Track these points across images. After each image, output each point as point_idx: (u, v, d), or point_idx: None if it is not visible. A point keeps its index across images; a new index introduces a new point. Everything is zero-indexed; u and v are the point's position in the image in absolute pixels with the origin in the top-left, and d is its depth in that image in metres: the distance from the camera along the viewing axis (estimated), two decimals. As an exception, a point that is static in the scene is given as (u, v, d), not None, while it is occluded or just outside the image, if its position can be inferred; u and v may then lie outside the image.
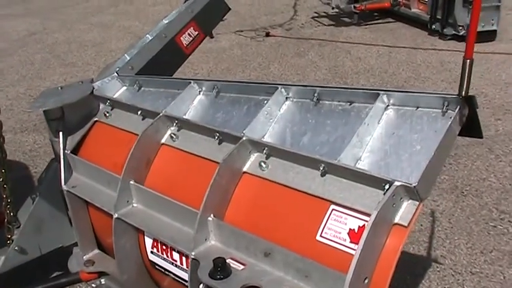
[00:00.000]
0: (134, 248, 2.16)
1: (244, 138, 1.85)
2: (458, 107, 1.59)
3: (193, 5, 3.33)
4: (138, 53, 2.72)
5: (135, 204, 2.11)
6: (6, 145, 2.59)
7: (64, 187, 2.33)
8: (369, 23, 7.51)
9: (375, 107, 1.74)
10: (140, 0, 9.54)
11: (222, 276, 1.67)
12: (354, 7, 7.29)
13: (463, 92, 1.56)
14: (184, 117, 2.13)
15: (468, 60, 1.53)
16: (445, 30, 6.53)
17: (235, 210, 1.85)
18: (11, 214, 2.49)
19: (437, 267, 2.93)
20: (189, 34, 3.14)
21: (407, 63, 5.92)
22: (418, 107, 1.71)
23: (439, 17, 6.58)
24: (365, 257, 1.45)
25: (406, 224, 1.50)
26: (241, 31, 7.54)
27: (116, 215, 2.07)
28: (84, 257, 2.43)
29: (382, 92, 1.75)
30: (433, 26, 6.68)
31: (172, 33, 3.01)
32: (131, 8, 9.21)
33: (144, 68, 2.70)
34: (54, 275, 2.56)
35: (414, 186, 1.48)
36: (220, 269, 1.68)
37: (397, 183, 1.49)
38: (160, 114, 2.13)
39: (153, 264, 2.14)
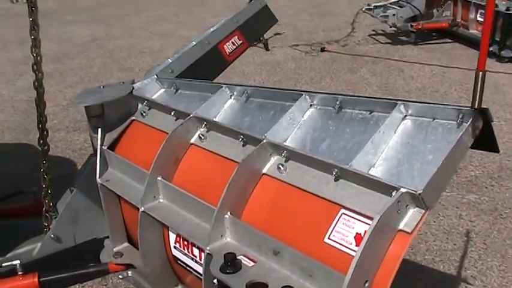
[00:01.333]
0: (158, 242, 2.25)
1: (264, 141, 1.91)
2: (471, 119, 1.60)
3: (240, 15, 3.43)
4: (179, 58, 2.83)
5: (161, 200, 2.20)
6: (59, 142, 2.75)
7: (98, 180, 2.45)
8: (425, 42, 7.45)
9: (391, 116, 1.76)
10: (201, 12, 9.79)
11: (231, 271, 1.73)
12: (411, 26, 7.25)
13: (476, 104, 1.57)
14: (213, 119, 2.21)
15: (481, 73, 1.55)
16: (502, 52, 6.41)
17: (252, 210, 1.91)
18: (49, 204, 2.64)
19: (466, 287, 2.89)
20: (232, 42, 3.23)
21: (460, 84, 5.84)
22: (434, 118, 1.72)
23: (497, 39, 6.46)
24: (365, 259, 1.48)
25: (409, 231, 1.52)
26: (297, 45, 7.62)
27: (142, 209, 2.17)
28: (114, 249, 2.54)
29: (400, 102, 1.77)
30: (491, 48, 6.56)
31: (215, 40, 3.12)
32: (192, 18, 9.46)
33: (184, 72, 2.81)
34: (87, 265, 2.69)
35: (419, 194, 1.50)
36: (231, 264, 1.74)
37: (402, 190, 1.52)
38: (191, 115, 2.22)
39: (176, 259, 2.22)
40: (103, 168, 2.50)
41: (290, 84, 6.11)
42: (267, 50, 7.44)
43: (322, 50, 7.24)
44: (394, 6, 7.28)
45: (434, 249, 3.19)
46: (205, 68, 2.99)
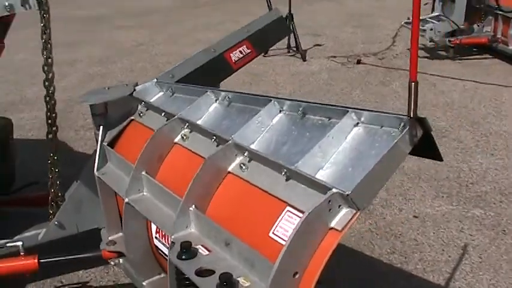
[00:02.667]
0: (142, 232, 2.43)
1: (230, 141, 2.06)
2: (407, 127, 1.70)
3: (252, 25, 3.59)
4: (181, 64, 3.02)
5: (145, 193, 2.38)
6: (89, 141, 2.95)
7: (96, 173, 2.66)
8: (464, 58, 7.41)
9: (341, 122, 1.88)
10: (247, 21, 9.97)
11: (186, 258, 1.89)
12: (449, 41, 7.23)
13: (411, 113, 1.68)
14: (194, 121, 2.38)
15: (413, 83, 1.66)
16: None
17: (216, 205, 2.07)
18: (55, 193, 2.86)
19: (450, 298, 2.95)
20: (240, 51, 3.39)
21: (490, 100, 5.81)
22: (382, 126, 1.83)
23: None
24: (293, 252, 1.61)
25: (339, 229, 1.64)
26: (335, 57, 7.72)
27: (126, 200, 2.36)
28: (109, 237, 2.74)
29: (351, 110, 1.89)
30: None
31: (222, 49, 3.28)
32: (237, 27, 9.63)
33: (186, 77, 2.98)
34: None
35: (347, 195, 1.62)
36: (186, 251, 1.90)
37: (334, 190, 1.64)
38: (176, 117, 2.40)
39: (157, 248, 2.40)
40: (101, 163, 2.71)
41: (320, 94, 6.23)
42: (304, 60, 7.57)
43: (358, 62, 7.32)
44: (432, 21, 7.28)
45: (427, 260, 3.24)
46: (210, 74, 3.16)
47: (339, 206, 1.66)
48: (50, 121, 2.78)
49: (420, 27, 7.23)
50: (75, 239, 2.88)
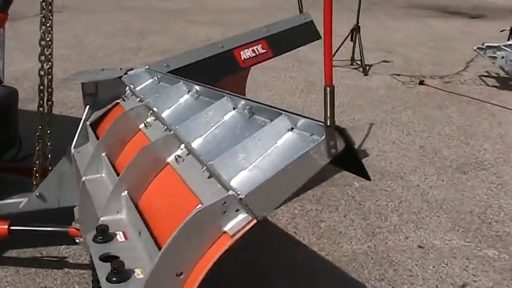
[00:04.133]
0: (93, 211, 2.42)
1: (171, 132, 2.01)
2: (323, 136, 1.58)
3: (274, 25, 3.53)
4: (181, 55, 3.00)
5: (103, 175, 2.38)
6: None
7: (72, 150, 2.68)
8: (538, 91, 6.94)
9: (273, 126, 1.78)
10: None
11: (99, 241, 1.86)
12: (521, 72, 6.79)
13: (328, 121, 1.55)
14: (162, 110, 2.34)
15: (328, 88, 1.54)
16: None
17: (148, 194, 2.02)
18: (42, 165, 2.92)
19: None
20: (253, 50, 3.33)
21: (549, 138, 5.39)
22: (312, 134, 1.71)
23: None
24: (176, 251, 1.54)
25: (231, 234, 1.55)
26: (398, 75, 7.46)
27: (83, 179, 2.36)
28: (77, 215, 2.76)
29: (284, 114, 1.78)
30: None
31: (232, 45, 3.24)
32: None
33: (183, 69, 2.95)
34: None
35: (240, 198, 1.52)
36: (101, 235, 1.87)
37: (230, 192, 1.55)
38: (142, 103, 2.38)
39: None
40: (82, 141, 2.73)
41: (368, 109, 6.02)
42: (365, 75, 7.37)
43: (421, 83, 7.02)
44: (506, 49, 6.85)
45: (417, 293, 3.04)
46: (211, 68, 3.12)
47: (237, 210, 1.56)
48: (41, 94, 2.83)
49: (492, 54, 6.87)
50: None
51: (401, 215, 3.83)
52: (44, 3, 2.70)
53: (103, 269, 1.70)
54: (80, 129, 2.72)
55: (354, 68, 7.64)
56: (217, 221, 1.55)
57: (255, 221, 1.54)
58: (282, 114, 1.79)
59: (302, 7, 3.85)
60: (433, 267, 3.28)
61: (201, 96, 2.34)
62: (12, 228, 2.72)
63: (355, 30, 7.53)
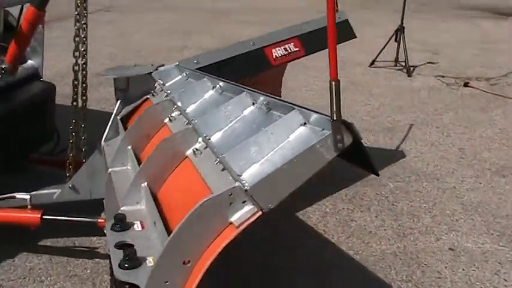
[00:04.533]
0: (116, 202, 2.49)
1: (190, 126, 2.06)
2: (330, 130, 1.59)
3: (308, 23, 3.54)
4: (211, 52, 3.05)
5: (128, 167, 2.45)
6: None
7: (102, 143, 2.77)
8: None
9: (283, 119, 1.80)
10: (370, 31, 9.74)
11: (117, 230, 1.92)
12: None
13: (334, 116, 1.56)
14: (187, 105, 2.39)
15: (334, 83, 1.55)
16: None
17: (167, 186, 2.08)
18: (75, 157, 3.02)
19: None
20: (285, 48, 3.35)
21: None
22: (323, 129, 1.72)
23: None
24: (183, 240, 1.58)
25: (236, 225, 1.58)
26: (443, 76, 7.33)
27: (109, 170, 2.44)
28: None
29: (297, 108, 1.80)
30: None
31: (263, 43, 3.27)
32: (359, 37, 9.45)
33: (212, 65, 3.00)
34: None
35: (246, 189, 1.55)
36: (120, 224, 1.93)
37: (236, 184, 1.58)
38: (168, 98, 2.44)
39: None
40: (111, 134, 2.82)
41: (411, 111, 5.94)
42: (409, 76, 7.27)
43: (465, 84, 6.87)
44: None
45: (444, 296, 3.00)
46: (241, 66, 3.15)
47: (243, 201, 1.59)
48: (75, 89, 2.92)
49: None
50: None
51: (434, 216, 3.78)
52: (78, 1, 2.79)
53: (116, 256, 1.76)
54: (111, 123, 2.81)
55: (397, 69, 7.55)
56: (223, 211, 1.59)
57: (260, 212, 1.57)
58: (294, 109, 1.80)
59: (337, 6, 3.84)
60: (463, 270, 3.22)
61: (225, 92, 2.38)
62: (44, 217, 2.82)
63: (400, 30, 7.44)
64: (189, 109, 2.33)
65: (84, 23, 2.87)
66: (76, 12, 2.81)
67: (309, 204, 3.86)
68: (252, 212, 1.57)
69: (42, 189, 3.01)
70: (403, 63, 7.47)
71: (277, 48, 3.31)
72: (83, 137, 3.06)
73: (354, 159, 1.72)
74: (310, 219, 3.69)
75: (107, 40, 8.99)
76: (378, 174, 1.74)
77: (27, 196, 2.86)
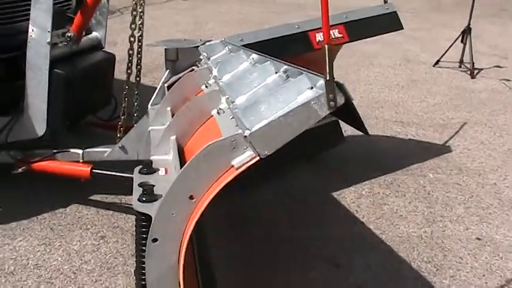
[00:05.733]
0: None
1: (216, 88, 2.30)
2: (324, 90, 1.78)
3: (354, 12, 3.70)
4: (257, 31, 3.27)
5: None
6: None
7: (149, 106, 3.06)
8: None
9: (292, 82, 1.99)
10: (441, 31, 9.66)
11: (143, 173, 2.19)
12: None
13: (327, 76, 1.75)
14: (222, 74, 2.62)
15: (326, 45, 1.73)
16: None
17: (192, 140, 2.33)
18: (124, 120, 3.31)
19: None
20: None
21: None
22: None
23: None
24: (189, 176, 1.81)
25: (236, 167, 1.80)
26: (508, 80, 7.22)
27: (149, 128, 2.72)
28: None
29: (305, 73, 1.99)
30: None
31: (308, 27, 3.46)
32: (428, 36, 9.42)
33: (256, 44, 3.20)
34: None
35: (245, 136, 1.77)
36: (146, 168, 2.20)
37: (239, 131, 1.80)
38: (205, 66, 2.68)
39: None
40: (157, 99, 3.10)
41: (466, 110, 5.93)
42: (472, 77, 7.22)
43: (531, 89, 6.76)
44: None
45: (459, 279, 3.08)
46: (285, 46, 3.35)
47: (245, 148, 1.81)
48: (130, 58, 3.21)
49: None
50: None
51: (468, 208, 3.85)
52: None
53: (137, 192, 2.02)
54: (158, 90, 3.09)
55: (462, 71, 7.50)
56: (226, 155, 1.81)
57: (257, 158, 1.78)
58: (303, 74, 2.00)
59: (387, -2, 3.98)
60: (486, 258, 3.30)
61: (257, 64, 2.59)
62: (94, 171, 3.14)
63: (466, 32, 7.39)
64: (223, 77, 2.56)
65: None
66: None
67: (346, 186, 4.01)
68: (250, 157, 1.78)
69: (94, 148, 3.33)
70: (468, 65, 7.42)
71: (320, 33, 3.48)
72: (135, 103, 3.36)
73: (349, 120, 1.89)
74: (345, 199, 3.85)
75: (180, 26, 9.41)
76: (367, 133, 1.90)
77: (79, 151, 3.19)
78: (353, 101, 1.79)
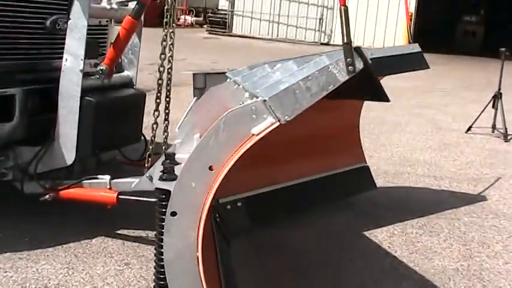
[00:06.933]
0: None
1: (240, 86, 2.33)
2: (342, 54, 1.79)
3: (379, 50, 3.76)
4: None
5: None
6: None
7: (176, 130, 3.09)
8: None
9: (316, 61, 2.00)
10: (472, 108, 9.63)
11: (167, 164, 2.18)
12: None
13: (345, 39, 1.76)
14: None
15: (343, 8, 1.75)
16: None
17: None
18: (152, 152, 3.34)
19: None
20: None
21: None
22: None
23: None
24: (209, 146, 1.81)
25: (256, 133, 1.79)
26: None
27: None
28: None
29: (327, 54, 2.01)
30: None
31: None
32: (461, 110, 9.37)
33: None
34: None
35: (264, 100, 1.77)
36: (169, 160, 2.20)
37: (259, 99, 1.81)
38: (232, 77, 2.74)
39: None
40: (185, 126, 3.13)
41: (501, 167, 5.81)
42: (506, 141, 7.14)
43: None
44: None
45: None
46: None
47: (265, 116, 1.80)
48: (159, 88, 3.28)
49: None
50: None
51: (506, 246, 3.69)
52: (167, 12, 3.19)
53: (158, 168, 2.01)
54: (185, 116, 3.12)
55: (495, 136, 7.42)
56: (246, 123, 1.80)
57: (278, 123, 1.77)
58: (323, 55, 2.02)
59: (412, 38, 4.04)
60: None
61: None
62: (120, 197, 3.14)
63: (497, 97, 7.39)
64: (247, 82, 2.60)
65: (172, 32, 3.26)
66: (165, 20, 3.22)
67: (377, 226, 3.90)
68: (270, 122, 1.77)
69: (122, 179, 3.34)
70: (501, 130, 7.34)
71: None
72: (164, 134, 3.40)
73: (369, 90, 1.87)
74: (376, 237, 3.73)
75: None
76: (388, 100, 1.87)
77: (107, 178, 3.21)
78: (371, 65, 1.78)
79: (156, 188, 1.94)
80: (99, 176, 3.24)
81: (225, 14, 24.04)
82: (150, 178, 3.25)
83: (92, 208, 3.42)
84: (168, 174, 1.95)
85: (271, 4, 22.66)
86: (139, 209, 3.26)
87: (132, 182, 3.32)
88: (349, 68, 1.77)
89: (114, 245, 3.32)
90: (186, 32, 22.03)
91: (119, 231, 3.50)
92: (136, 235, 3.48)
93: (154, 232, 3.34)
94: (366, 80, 1.81)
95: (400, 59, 3.81)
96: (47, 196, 3.22)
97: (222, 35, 23.06)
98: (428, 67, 4.07)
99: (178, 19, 24.23)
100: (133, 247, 3.31)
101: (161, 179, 1.95)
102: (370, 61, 1.78)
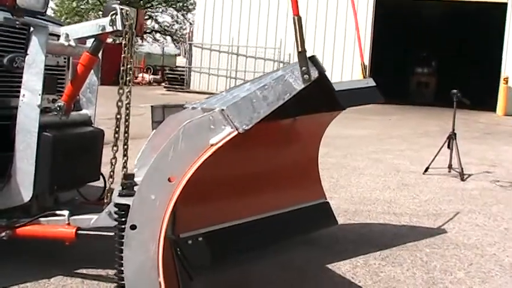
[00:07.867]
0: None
1: (199, 108, 2.35)
2: (296, 61, 1.83)
3: (335, 84, 3.85)
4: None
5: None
6: None
7: (135, 162, 3.07)
8: None
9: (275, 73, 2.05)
10: (429, 152, 9.86)
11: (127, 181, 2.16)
12: None
13: (299, 47, 1.81)
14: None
15: (296, 17, 1.80)
16: None
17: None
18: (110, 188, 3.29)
19: None
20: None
21: None
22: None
23: None
24: (168, 157, 1.81)
25: (214, 143, 1.80)
26: (498, 181, 7.31)
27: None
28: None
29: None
30: None
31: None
32: (414, 155, 9.59)
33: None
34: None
35: (222, 110, 1.79)
36: (129, 179, 2.18)
37: (216, 109, 1.83)
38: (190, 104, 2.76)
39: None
40: (141, 162, 3.11)
41: (459, 203, 5.91)
42: (462, 180, 7.29)
43: (522, 187, 6.81)
44: None
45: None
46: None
47: (223, 125, 1.82)
48: (118, 123, 3.27)
49: None
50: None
51: (468, 272, 3.73)
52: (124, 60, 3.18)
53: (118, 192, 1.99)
54: (143, 150, 3.11)
55: (451, 176, 7.58)
56: (204, 133, 1.82)
57: (236, 132, 1.79)
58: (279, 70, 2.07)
59: (366, 73, 4.16)
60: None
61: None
62: (79, 232, 3.07)
63: (451, 137, 7.60)
64: (205, 105, 2.62)
65: (130, 68, 3.28)
66: (123, 55, 3.23)
67: (340, 259, 3.89)
68: (228, 132, 1.79)
69: (81, 215, 3.28)
70: (458, 170, 7.52)
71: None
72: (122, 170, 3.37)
73: (324, 98, 1.92)
74: (340, 269, 3.73)
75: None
76: (343, 108, 1.91)
77: (65, 214, 3.15)
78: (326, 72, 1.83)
79: (115, 204, 1.91)
80: (57, 212, 3.18)
81: (183, 71, 24.36)
82: (109, 214, 3.21)
83: (51, 246, 3.33)
84: (127, 190, 1.94)
85: (228, 60, 23.03)
86: (99, 246, 3.20)
87: (91, 219, 3.25)
88: (305, 76, 1.81)
89: (73, 283, 3.23)
90: (143, 90, 22.14)
91: (77, 270, 3.40)
92: (95, 273, 3.39)
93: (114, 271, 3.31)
94: (321, 89, 1.86)
95: (355, 93, 3.90)
96: (3, 234, 3.13)
97: (180, 91, 23.24)
98: (383, 101, 4.18)
99: (136, 77, 24.40)
100: (92, 285, 3.22)
101: (120, 195, 1.93)
102: (325, 69, 1.83)
